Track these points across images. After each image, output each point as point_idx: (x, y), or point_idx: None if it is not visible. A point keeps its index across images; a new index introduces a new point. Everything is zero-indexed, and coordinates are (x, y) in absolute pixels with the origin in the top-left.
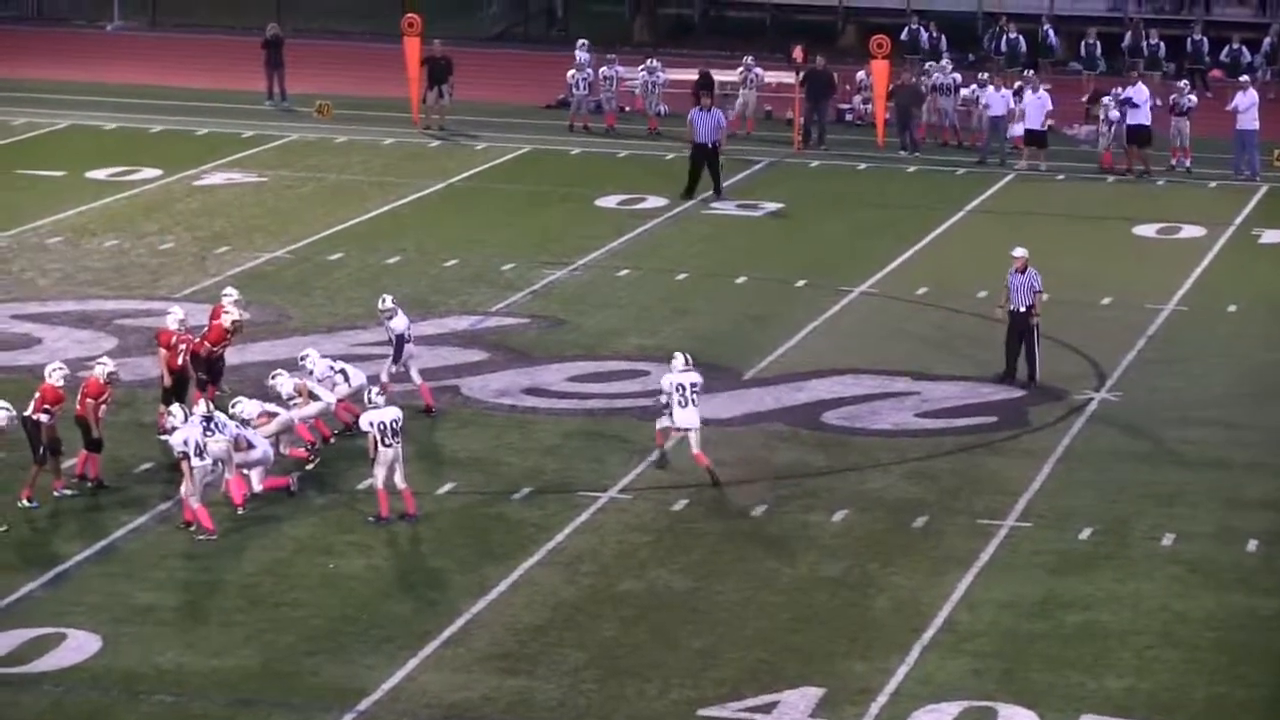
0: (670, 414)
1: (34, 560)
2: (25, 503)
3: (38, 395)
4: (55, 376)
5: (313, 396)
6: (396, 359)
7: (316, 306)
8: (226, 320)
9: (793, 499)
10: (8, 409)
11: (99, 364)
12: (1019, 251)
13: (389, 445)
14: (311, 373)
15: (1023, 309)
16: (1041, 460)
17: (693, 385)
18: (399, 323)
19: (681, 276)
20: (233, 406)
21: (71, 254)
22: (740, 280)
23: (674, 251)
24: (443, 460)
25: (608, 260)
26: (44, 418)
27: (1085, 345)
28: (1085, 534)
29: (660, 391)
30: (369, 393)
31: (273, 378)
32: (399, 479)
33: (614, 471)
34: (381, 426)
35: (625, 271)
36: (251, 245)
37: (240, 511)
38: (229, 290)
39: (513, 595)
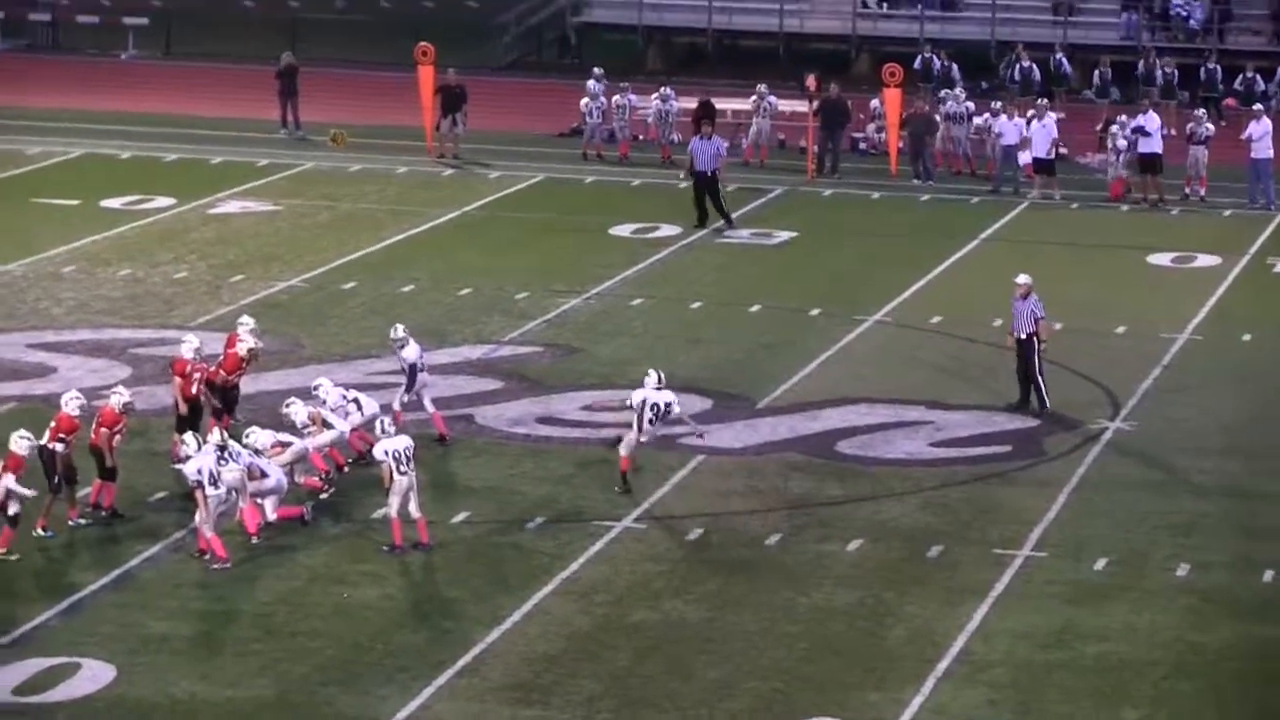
0: (636, 428)
1: (49, 590)
2: (40, 532)
3: (53, 424)
4: (71, 406)
5: (326, 425)
6: (409, 388)
7: (331, 335)
8: (242, 349)
9: (807, 528)
10: (29, 439)
11: (114, 393)
12: (1022, 279)
13: (404, 474)
14: (324, 402)
15: (1024, 336)
16: (1056, 490)
17: (667, 405)
18: (411, 352)
19: (695, 305)
20: (246, 436)
21: (86, 283)
22: (754, 309)
23: (688, 280)
24: (456, 489)
25: (621, 289)
26: (59, 447)
27: (1100, 374)
28: (1100, 564)
29: (629, 405)
30: (382, 422)
31: (287, 406)
32: (413, 508)
33: (628, 501)
34: (396, 455)
35: (639, 300)
36: (266, 274)
37: (254, 541)
38: (244, 319)
39: (527, 625)
